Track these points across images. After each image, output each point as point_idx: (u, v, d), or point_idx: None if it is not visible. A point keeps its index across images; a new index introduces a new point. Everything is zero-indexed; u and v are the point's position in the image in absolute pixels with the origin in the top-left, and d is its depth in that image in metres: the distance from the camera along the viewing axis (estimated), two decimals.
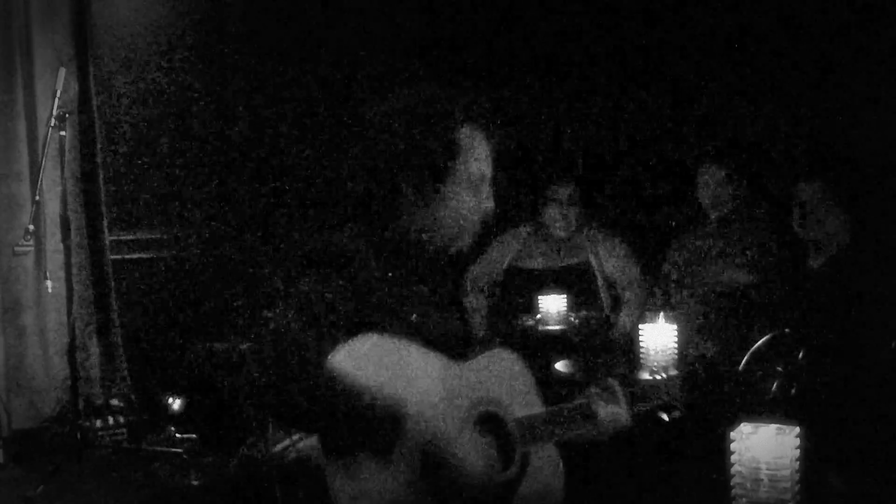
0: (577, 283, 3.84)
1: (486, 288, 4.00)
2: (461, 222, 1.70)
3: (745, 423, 1.69)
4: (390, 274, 1.63)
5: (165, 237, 4.31)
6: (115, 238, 4.16)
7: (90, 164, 4.04)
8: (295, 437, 1.47)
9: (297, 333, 1.44)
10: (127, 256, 4.23)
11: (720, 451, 1.73)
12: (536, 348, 3.39)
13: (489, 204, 1.72)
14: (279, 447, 1.47)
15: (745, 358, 2.42)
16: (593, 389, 1.77)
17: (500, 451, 1.61)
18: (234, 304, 4.03)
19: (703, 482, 2.14)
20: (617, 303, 3.88)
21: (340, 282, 1.55)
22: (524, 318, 3.71)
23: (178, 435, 3.68)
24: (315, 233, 1.68)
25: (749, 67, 3.93)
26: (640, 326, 2.91)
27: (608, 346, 3.58)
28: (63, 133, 3.52)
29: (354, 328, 1.52)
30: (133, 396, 4.02)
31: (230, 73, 4.39)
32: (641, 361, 2.84)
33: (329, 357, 1.45)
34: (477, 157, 1.69)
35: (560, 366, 2.97)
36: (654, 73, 4.14)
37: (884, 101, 3.42)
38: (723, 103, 4.02)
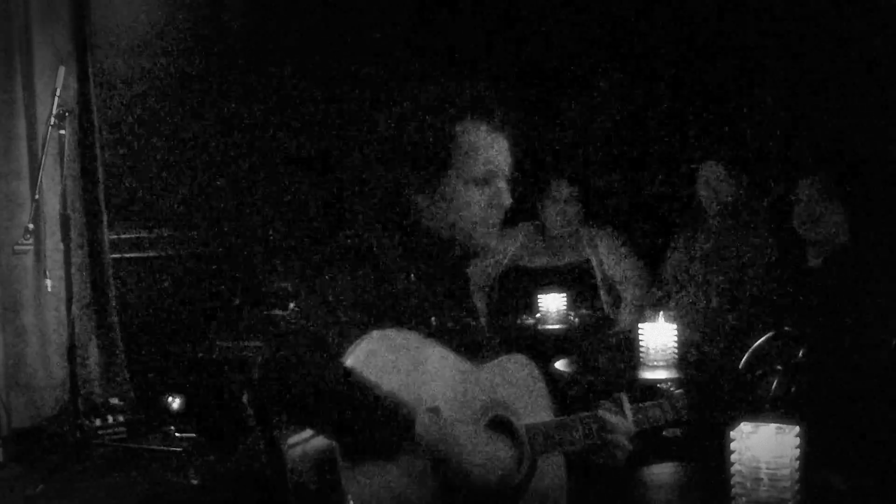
0: (576, 281, 3.84)
1: (485, 287, 4.00)
2: (473, 219, 1.66)
3: (745, 423, 1.69)
4: (405, 276, 1.63)
5: (165, 236, 4.31)
6: (115, 237, 4.16)
7: (90, 163, 4.03)
8: (307, 434, 1.47)
9: (313, 332, 1.45)
10: (127, 255, 4.23)
11: (720, 450, 1.73)
12: (536, 347, 3.39)
13: (503, 199, 1.68)
14: (292, 441, 1.47)
15: (745, 357, 2.42)
16: (603, 402, 1.76)
17: (509, 456, 1.60)
18: (234, 302, 4.03)
19: (702, 482, 2.14)
20: (617, 301, 3.88)
21: (358, 281, 1.55)
22: (524, 317, 3.71)
23: (177, 434, 3.68)
24: (328, 231, 1.68)
25: (749, 66, 3.93)
26: (640, 325, 2.91)
27: (608, 345, 3.58)
28: (63, 132, 3.52)
29: (371, 328, 1.52)
30: (133, 395, 4.02)
31: (230, 71, 4.38)
32: (641, 360, 2.84)
33: (344, 355, 1.45)
34: (481, 151, 1.65)
35: (560, 365, 2.97)
36: (655, 72, 4.14)
37: (884, 100, 3.42)
38: (723, 102, 4.02)
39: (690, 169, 3.74)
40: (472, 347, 1.70)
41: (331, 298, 1.51)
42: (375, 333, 1.50)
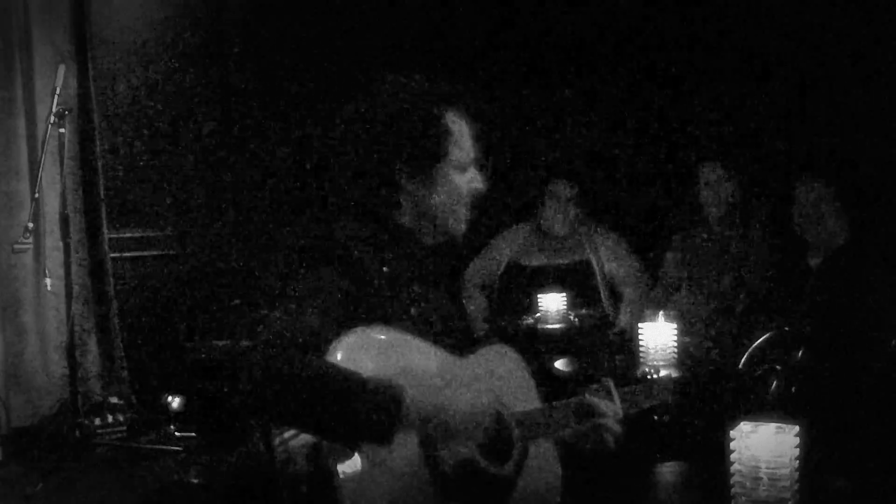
0: (576, 281, 3.84)
1: (485, 286, 4.00)
2: (453, 207, 1.71)
3: (745, 422, 1.69)
4: (386, 268, 1.63)
5: (165, 235, 4.31)
6: (115, 236, 4.16)
7: (90, 162, 4.03)
8: (291, 434, 1.47)
9: (294, 330, 1.44)
10: (126, 254, 4.22)
11: (720, 449, 1.73)
12: (536, 347, 3.39)
13: (477, 185, 1.73)
14: (281, 440, 1.47)
15: (745, 356, 2.42)
16: (590, 387, 1.77)
17: (498, 446, 1.60)
18: (234, 301, 4.03)
19: (702, 481, 2.14)
20: (616, 301, 3.88)
21: (338, 276, 1.55)
22: (524, 317, 3.71)
23: (177, 433, 3.68)
24: (312, 227, 1.68)
25: (749, 66, 3.93)
26: (640, 325, 2.91)
27: (608, 345, 3.58)
28: (62, 130, 3.52)
29: (352, 322, 1.52)
30: (132, 394, 4.02)
31: (230, 69, 4.38)
32: (641, 360, 2.84)
33: (326, 351, 1.45)
34: (461, 140, 1.71)
35: (560, 364, 2.97)
36: (655, 72, 4.14)
37: (883, 100, 3.42)
38: (723, 102, 4.02)
39: (690, 169, 3.74)
40: (454, 338, 1.70)
41: (308, 296, 1.51)
42: (355, 331, 1.50)
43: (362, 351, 1.49)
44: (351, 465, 1.43)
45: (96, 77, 4.05)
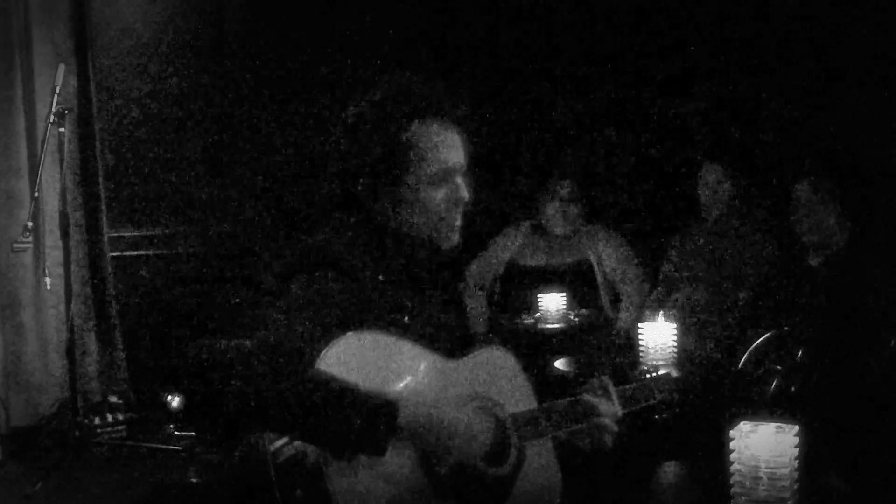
0: (576, 281, 3.84)
1: (485, 286, 3.99)
2: (432, 222, 1.66)
3: (745, 422, 1.69)
4: (381, 276, 1.62)
5: (164, 234, 4.31)
6: (115, 235, 4.16)
7: (89, 161, 4.03)
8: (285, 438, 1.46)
9: (285, 336, 1.43)
10: (126, 253, 4.22)
11: (719, 449, 1.73)
12: (536, 347, 3.39)
13: (461, 194, 1.66)
14: (275, 445, 1.47)
15: (745, 356, 2.42)
16: (588, 386, 1.77)
17: (495, 447, 1.60)
18: (234, 301, 4.03)
19: (702, 481, 2.14)
20: (616, 301, 3.88)
21: (332, 280, 1.55)
22: (524, 316, 3.71)
23: (176, 432, 3.68)
24: (304, 233, 1.67)
25: (749, 66, 3.93)
26: (640, 325, 2.91)
27: (608, 345, 3.58)
28: (62, 129, 3.52)
29: (345, 327, 1.51)
30: (132, 393, 4.02)
31: (229, 69, 4.38)
32: (641, 360, 2.84)
33: (318, 358, 1.44)
34: (433, 151, 1.64)
35: (559, 364, 2.97)
36: (655, 72, 4.14)
37: (883, 100, 3.42)
38: (722, 102, 4.02)
39: (690, 169, 3.74)
40: (447, 342, 1.69)
41: (301, 301, 1.50)
42: (348, 336, 1.49)
43: (354, 356, 1.48)
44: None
45: (96, 76, 4.05)
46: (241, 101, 4.38)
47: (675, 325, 2.84)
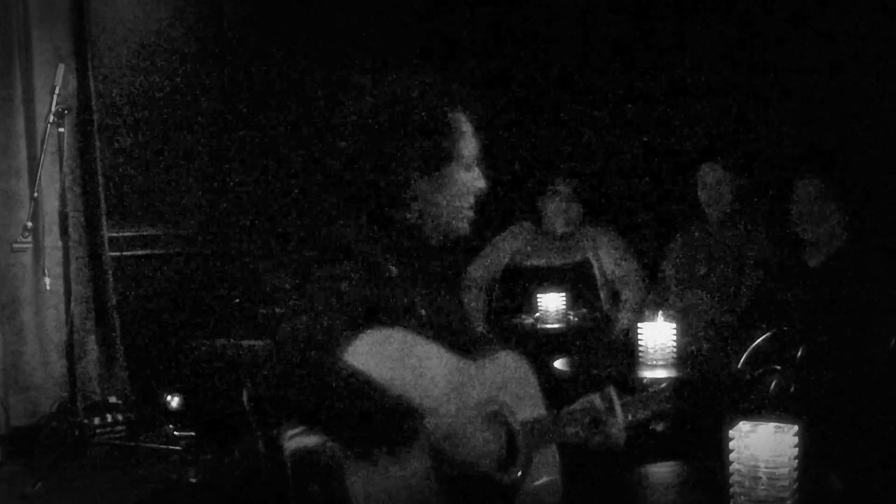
0: (576, 281, 3.84)
1: (485, 285, 3.99)
2: (459, 205, 1.73)
3: (744, 422, 1.68)
4: (395, 268, 1.64)
5: (164, 234, 4.31)
6: (114, 235, 4.16)
7: (89, 161, 4.03)
8: (298, 431, 1.47)
9: (312, 329, 1.45)
10: (126, 253, 4.22)
11: (719, 449, 1.73)
12: (535, 347, 3.39)
13: (480, 184, 1.75)
14: (291, 436, 1.47)
15: (744, 356, 2.42)
16: (593, 396, 1.77)
17: (505, 452, 1.62)
18: (234, 300, 4.03)
19: (701, 481, 2.13)
20: (616, 301, 3.88)
21: (351, 276, 1.56)
22: (523, 316, 3.71)
23: (176, 432, 3.68)
24: (324, 227, 1.69)
25: (748, 66, 3.93)
26: (639, 325, 2.91)
27: (607, 345, 3.58)
28: (62, 129, 3.52)
29: (364, 323, 1.52)
30: (131, 394, 4.02)
31: (229, 68, 4.38)
32: (640, 360, 2.84)
33: (342, 352, 1.45)
34: (468, 139, 1.74)
35: (559, 364, 2.97)
36: (655, 72, 4.14)
37: (882, 99, 3.42)
38: (722, 102, 4.02)
39: (690, 169, 3.74)
40: (463, 341, 1.70)
41: (320, 297, 1.52)
42: (368, 333, 1.50)
43: (380, 351, 1.50)
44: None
45: (96, 76, 4.05)
46: (242, 99, 4.38)
47: (674, 325, 2.84)
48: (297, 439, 1.47)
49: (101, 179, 4.06)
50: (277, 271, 3.94)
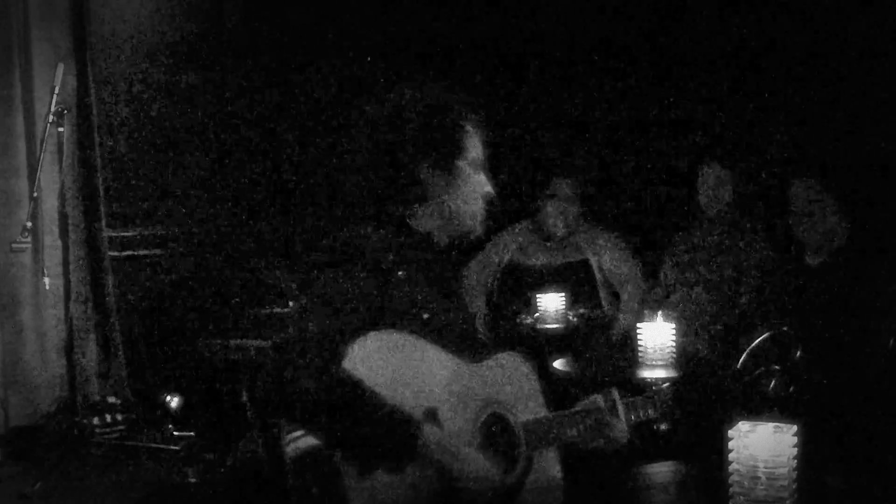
0: (575, 281, 3.84)
1: (484, 286, 4.00)
2: (471, 204, 1.75)
3: (743, 422, 1.69)
4: (402, 272, 1.64)
5: (163, 234, 4.31)
6: (113, 234, 4.16)
7: (88, 161, 4.03)
8: (299, 433, 1.47)
9: (314, 333, 1.46)
10: (125, 253, 4.22)
11: (718, 449, 1.73)
12: (535, 347, 3.39)
13: (489, 189, 1.78)
14: (292, 439, 1.47)
15: (743, 356, 2.42)
16: (595, 397, 1.78)
17: (506, 453, 1.62)
18: (233, 301, 4.03)
19: (700, 481, 2.14)
20: (615, 301, 3.88)
21: (358, 278, 1.56)
22: (522, 317, 3.71)
23: (175, 432, 3.68)
24: (327, 230, 1.70)
25: (747, 68, 3.93)
26: (639, 325, 2.92)
27: (607, 345, 3.59)
28: (61, 129, 3.52)
29: (367, 326, 1.53)
30: (131, 393, 4.01)
31: (229, 68, 4.38)
32: (640, 360, 2.85)
33: (343, 357, 1.45)
34: (476, 141, 1.76)
35: (558, 364, 2.97)
36: (654, 73, 4.14)
37: (881, 101, 3.43)
38: (721, 103, 4.02)
39: (690, 170, 3.74)
40: (465, 344, 1.71)
41: (328, 299, 1.53)
42: (371, 335, 1.50)
43: (378, 354, 1.50)
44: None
45: (95, 76, 4.05)
46: (241, 99, 4.38)
47: (673, 326, 2.84)
48: (297, 441, 1.47)
49: (100, 179, 4.06)
50: (279, 272, 3.94)
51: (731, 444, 1.67)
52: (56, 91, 3.51)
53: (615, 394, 1.78)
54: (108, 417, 3.70)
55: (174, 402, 3.79)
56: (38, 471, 3.25)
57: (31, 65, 3.85)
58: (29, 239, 3.53)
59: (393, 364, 1.51)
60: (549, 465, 1.73)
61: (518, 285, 3.91)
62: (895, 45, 3.38)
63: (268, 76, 4.37)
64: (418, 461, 1.47)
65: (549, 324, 3.54)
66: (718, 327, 3.42)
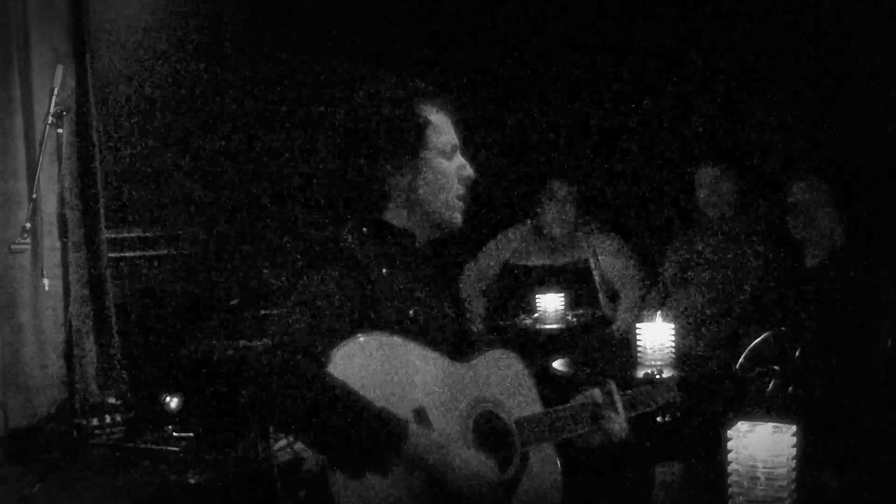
0: (574, 281, 3.85)
1: (483, 287, 4.00)
2: (444, 195, 1.71)
3: (742, 422, 1.69)
4: (385, 270, 1.63)
5: (162, 235, 4.31)
6: (113, 236, 4.16)
7: (87, 162, 4.03)
8: (287, 438, 1.47)
9: (299, 336, 1.45)
10: (124, 254, 4.22)
11: (717, 449, 1.74)
12: (534, 347, 3.39)
13: (467, 172, 1.74)
14: (279, 446, 1.47)
15: (742, 357, 2.42)
16: (593, 391, 1.77)
17: (500, 451, 1.61)
18: (232, 302, 4.03)
19: (700, 481, 2.14)
20: (615, 301, 3.88)
21: (342, 279, 1.55)
22: (522, 317, 3.72)
23: (175, 433, 3.68)
24: (312, 229, 1.69)
25: (746, 68, 3.94)
26: (638, 325, 2.92)
27: (606, 345, 3.59)
28: (60, 131, 3.52)
29: (353, 327, 1.52)
30: (130, 395, 4.01)
31: (228, 70, 4.38)
32: (639, 360, 2.85)
33: (328, 360, 1.45)
34: (442, 128, 1.72)
35: (558, 364, 2.97)
36: (653, 73, 4.14)
37: (879, 101, 3.43)
38: (720, 103, 4.03)
39: (689, 170, 3.75)
40: (454, 343, 1.70)
41: (312, 301, 1.52)
42: (357, 338, 1.50)
43: (364, 358, 1.49)
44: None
45: (94, 77, 4.05)
46: (240, 101, 4.38)
47: (673, 326, 2.85)
48: (285, 445, 1.47)
49: (99, 180, 4.06)
50: (271, 273, 3.94)
51: (730, 444, 1.67)
52: (55, 92, 3.51)
53: (613, 387, 1.78)
54: (108, 419, 3.69)
55: (173, 403, 3.79)
56: (37, 472, 3.25)
57: (31, 66, 3.85)
58: (28, 240, 3.54)
59: (379, 367, 1.50)
60: (547, 462, 1.72)
61: (517, 286, 3.91)
62: (894, 45, 3.39)
63: (266, 76, 4.37)
64: (407, 462, 1.45)
65: (548, 324, 3.55)
66: (717, 327, 3.42)
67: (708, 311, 3.52)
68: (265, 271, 3.92)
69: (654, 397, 1.86)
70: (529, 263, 3.95)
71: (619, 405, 1.76)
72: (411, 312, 1.65)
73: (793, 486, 1.65)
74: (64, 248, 3.56)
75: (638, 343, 2.86)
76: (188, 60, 4.29)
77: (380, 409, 1.44)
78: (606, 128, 4.29)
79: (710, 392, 1.89)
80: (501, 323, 3.83)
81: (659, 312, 2.97)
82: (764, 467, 1.64)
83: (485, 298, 3.99)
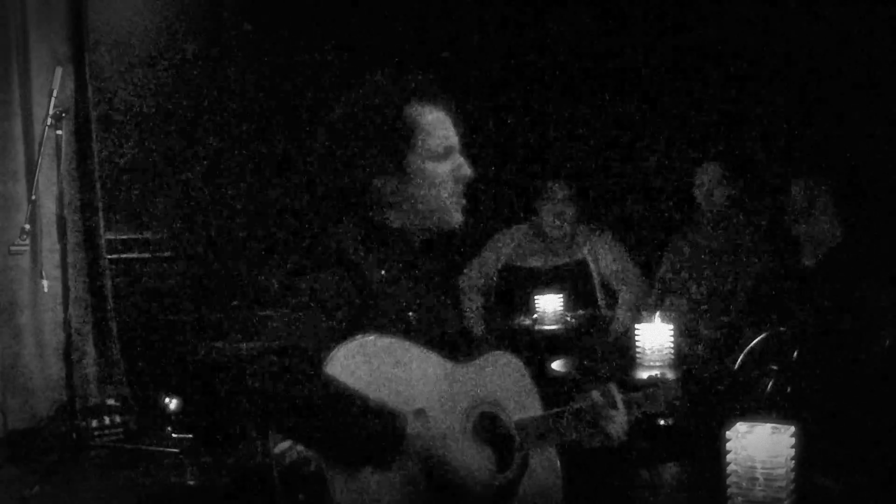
0: (573, 282, 3.85)
1: (482, 288, 4.00)
2: (437, 196, 1.68)
3: (741, 423, 1.69)
4: (383, 271, 1.63)
5: (161, 237, 4.31)
6: (112, 237, 4.16)
7: (86, 164, 4.02)
8: (287, 439, 1.47)
9: (294, 337, 1.44)
10: (123, 256, 4.22)
11: (716, 450, 1.74)
12: (533, 348, 3.39)
13: (465, 171, 1.70)
14: (279, 449, 1.47)
15: (741, 357, 2.43)
16: (593, 393, 1.77)
17: (500, 452, 1.61)
18: (231, 303, 4.03)
19: (699, 481, 2.14)
20: (613, 302, 3.88)
21: (339, 280, 1.55)
22: (521, 318, 3.72)
23: (174, 435, 3.67)
24: (310, 230, 1.68)
25: (746, 68, 3.94)
26: (637, 325, 2.92)
27: (605, 346, 3.59)
28: (59, 132, 3.52)
29: (351, 328, 1.52)
30: (129, 396, 4.01)
31: (227, 71, 4.38)
32: (638, 360, 2.85)
33: (325, 362, 1.45)
34: (433, 128, 1.68)
35: (556, 365, 2.97)
36: (653, 73, 4.15)
37: (878, 100, 3.43)
38: (719, 103, 4.03)
39: (688, 170, 3.75)
40: (453, 344, 1.70)
41: (310, 303, 1.51)
42: (357, 340, 1.49)
43: (363, 359, 1.49)
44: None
45: (93, 79, 4.05)
46: (239, 102, 4.38)
47: (671, 326, 2.85)
48: (284, 447, 1.47)
49: (98, 182, 4.06)
50: (270, 274, 3.94)
51: (728, 445, 1.67)
52: (54, 94, 3.51)
53: (613, 389, 1.77)
54: (107, 420, 3.69)
55: (173, 404, 3.78)
56: (36, 474, 3.25)
57: (30, 68, 3.85)
58: (27, 241, 3.53)
59: (378, 368, 1.49)
60: (548, 463, 1.72)
61: (516, 287, 3.91)
62: (893, 45, 3.39)
63: (265, 79, 4.37)
64: (407, 461, 1.45)
65: (547, 325, 3.55)
66: (716, 328, 3.42)
67: (707, 311, 3.52)
68: (264, 273, 3.92)
69: (654, 398, 1.86)
70: (528, 264, 3.95)
71: (620, 406, 1.76)
72: (410, 314, 1.64)
73: (791, 487, 1.66)
74: (63, 249, 3.56)
75: (637, 343, 2.87)
76: (187, 62, 4.29)
77: (379, 406, 1.44)
78: (606, 127, 4.29)
79: (708, 392, 1.89)
80: (501, 323, 3.83)
81: (658, 313, 2.98)
82: (763, 468, 1.64)
83: (483, 299, 3.99)
